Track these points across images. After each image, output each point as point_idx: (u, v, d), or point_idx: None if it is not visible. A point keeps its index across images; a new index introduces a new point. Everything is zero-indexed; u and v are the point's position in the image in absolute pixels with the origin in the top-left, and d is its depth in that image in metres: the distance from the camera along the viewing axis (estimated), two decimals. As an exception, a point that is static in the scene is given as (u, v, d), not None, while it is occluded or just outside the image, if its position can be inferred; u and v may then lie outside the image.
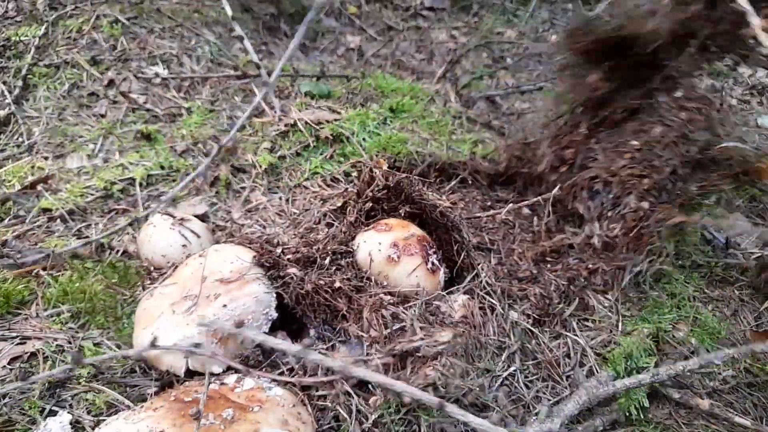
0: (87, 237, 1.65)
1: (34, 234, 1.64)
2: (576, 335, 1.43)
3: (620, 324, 1.47)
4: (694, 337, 1.46)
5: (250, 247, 1.37)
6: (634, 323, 1.47)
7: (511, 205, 1.74)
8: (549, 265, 1.60)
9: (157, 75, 2.32)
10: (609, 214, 1.64)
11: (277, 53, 3.05)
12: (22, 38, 2.40)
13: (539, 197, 1.72)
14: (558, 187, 1.68)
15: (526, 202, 1.75)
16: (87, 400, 1.15)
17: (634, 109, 1.66)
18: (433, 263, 1.31)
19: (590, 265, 1.58)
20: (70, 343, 1.27)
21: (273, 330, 1.29)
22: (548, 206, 1.69)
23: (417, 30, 3.64)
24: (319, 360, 0.97)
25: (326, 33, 3.56)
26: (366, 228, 1.37)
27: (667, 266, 1.64)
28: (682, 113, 1.60)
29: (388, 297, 1.23)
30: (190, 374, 1.16)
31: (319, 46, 3.45)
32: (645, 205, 1.58)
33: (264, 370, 1.20)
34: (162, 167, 1.86)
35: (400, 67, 3.25)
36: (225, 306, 1.20)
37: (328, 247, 1.34)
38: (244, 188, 1.81)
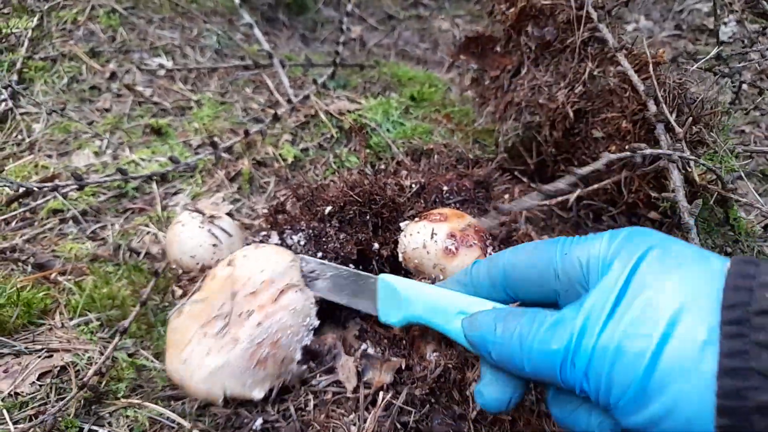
0: (103, 239, 1.54)
1: (46, 237, 1.52)
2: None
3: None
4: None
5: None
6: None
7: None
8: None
9: (161, 66, 2.20)
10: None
11: (279, 44, 2.95)
12: (14, 30, 2.26)
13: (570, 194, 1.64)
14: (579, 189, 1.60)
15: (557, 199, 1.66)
16: (128, 416, 1.05)
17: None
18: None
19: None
20: (101, 354, 1.16)
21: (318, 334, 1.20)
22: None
23: (418, 19, 3.55)
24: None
25: (326, 23, 3.46)
26: (416, 219, 1.28)
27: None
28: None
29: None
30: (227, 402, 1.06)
31: (320, 36, 3.35)
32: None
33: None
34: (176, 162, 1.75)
35: (405, 57, 3.16)
36: (260, 324, 1.10)
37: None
38: (268, 183, 1.71)
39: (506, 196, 1.62)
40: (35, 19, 2.32)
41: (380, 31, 3.40)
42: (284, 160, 1.74)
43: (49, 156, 1.83)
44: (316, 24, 3.40)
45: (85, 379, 1.03)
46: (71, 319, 1.23)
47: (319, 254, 1.29)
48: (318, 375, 1.12)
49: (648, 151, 1.32)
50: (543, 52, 1.71)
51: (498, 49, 1.83)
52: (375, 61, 2.49)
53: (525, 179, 1.75)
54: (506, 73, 1.80)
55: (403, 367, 1.10)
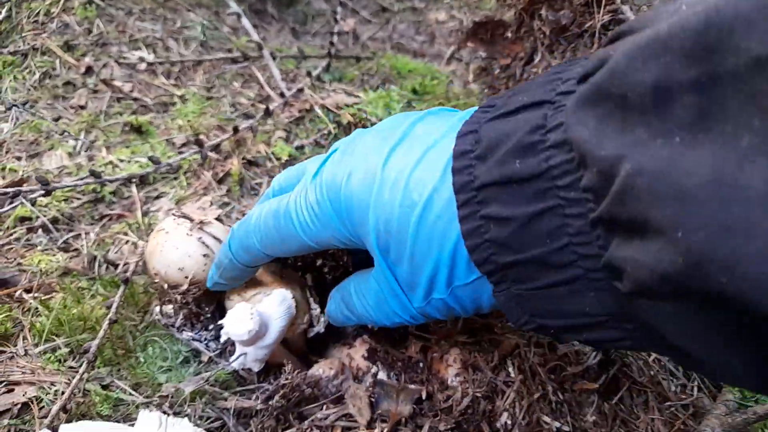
0: (76, 249, 1.38)
1: (11, 249, 1.35)
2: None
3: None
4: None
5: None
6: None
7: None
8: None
9: (141, 60, 2.03)
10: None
11: (268, 37, 2.78)
12: (-20, 23, 2.08)
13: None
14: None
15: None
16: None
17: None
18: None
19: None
20: (69, 384, 1.00)
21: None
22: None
23: (413, 11, 3.40)
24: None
25: (316, 16, 3.30)
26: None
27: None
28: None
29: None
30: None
31: (311, 30, 3.19)
32: None
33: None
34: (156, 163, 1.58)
35: (401, 50, 3.01)
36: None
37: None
38: (260, 184, 1.55)
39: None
40: (4, 11, 2.14)
41: (374, 24, 3.24)
42: (278, 158, 1.58)
43: (18, 158, 1.66)
44: (307, 17, 3.24)
45: (47, 419, 0.87)
46: (36, 345, 1.06)
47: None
48: (324, 406, 0.97)
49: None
50: (558, 38, 1.57)
51: (509, 35, 1.69)
52: (372, 52, 2.33)
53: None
54: (518, 61, 1.66)
55: (423, 396, 0.95)
